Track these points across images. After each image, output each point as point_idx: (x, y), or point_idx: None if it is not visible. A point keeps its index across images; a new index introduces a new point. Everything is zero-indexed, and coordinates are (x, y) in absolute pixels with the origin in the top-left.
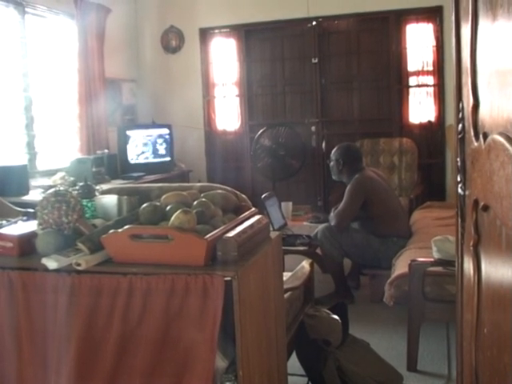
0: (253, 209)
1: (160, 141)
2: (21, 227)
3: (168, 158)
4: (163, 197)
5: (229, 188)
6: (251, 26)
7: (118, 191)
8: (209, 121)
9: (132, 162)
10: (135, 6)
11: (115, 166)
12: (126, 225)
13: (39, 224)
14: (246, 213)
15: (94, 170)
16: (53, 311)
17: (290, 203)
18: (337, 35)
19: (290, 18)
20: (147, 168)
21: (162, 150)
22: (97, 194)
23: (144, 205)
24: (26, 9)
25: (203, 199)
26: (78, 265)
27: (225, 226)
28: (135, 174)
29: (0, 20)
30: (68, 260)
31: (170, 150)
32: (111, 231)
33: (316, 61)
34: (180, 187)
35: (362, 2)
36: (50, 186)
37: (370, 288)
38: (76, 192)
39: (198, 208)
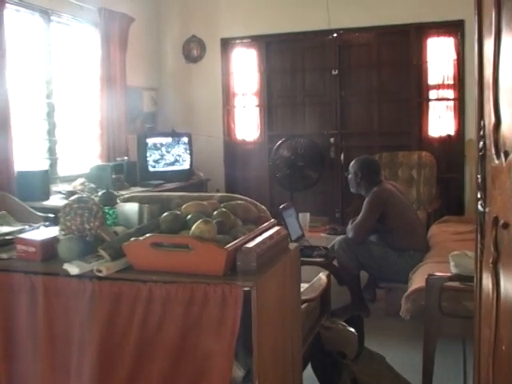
0: (272, 220)
1: (179, 149)
2: (43, 232)
3: (187, 167)
4: (184, 206)
5: (248, 199)
6: (272, 37)
7: (138, 199)
8: (228, 130)
9: (151, 169)
10: (158, 16)
11: (134, 173)
12: (146, 233)
13: (61, 230)
14: (266, 224)
15: (113, 176)
16: (73, 316)
17: (308, 214)
18: (357, 47)
19: (310, 30)
20: (166, 176)
21: (181, 158)
22: (118, 201)
23: (165, 213)
24: (52, 17)
25: (223, 209)
26: (99, 271)
27: (244, 236)
28: (154, 182)
29: (26, 27)
30: (89, 266)
31: (190, 158)
32: (132, 239)
33: (336, 73)
34: (200, 197)
35: (383, 15)
36: (70, 192)
37: (385, 301)
38: (97, 199)
39: (218, 218)
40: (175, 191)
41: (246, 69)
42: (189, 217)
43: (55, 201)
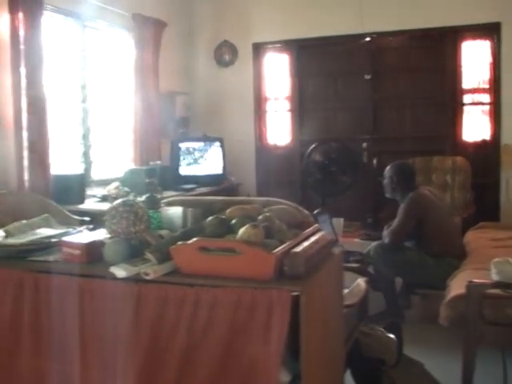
0: (316, 225)
1: (212, 154)
2: (88, 236)
3: (219, 171)
4: (228, 210)
5: (292, 203)
6: (304, 41)
7: (179, 203)
8: (260, 135)
9: (183, 174)
10: (190, 21)
11: (167, 177)
12: (192, 237)
13: (107, 233)
14: (310, 228)
15: (146, 180)
16: (119, 319)
17: (342, 219)
18: (391, 52)
19: (343, 34)
20: (198, 180)
21: (213, 162)
22: (162, 205)
23: (210, 217)
24: (86, 22)
25: (267, 214)
26: (147, 274)
27: (291, 241)
28: (187, 186)
29: (62, 33)
30: (136, 269)
31: (222, 163)
32: (180, 243)
33: (369, 77)
34: (243, 201)
35: (417, 19)
36: (105, 196)
37: (421, 308)
38: (142, 203)
39: (264, 222)
40: (207, 195)
41: (277, 73)
42: (234, 221)
43: (90, 204)
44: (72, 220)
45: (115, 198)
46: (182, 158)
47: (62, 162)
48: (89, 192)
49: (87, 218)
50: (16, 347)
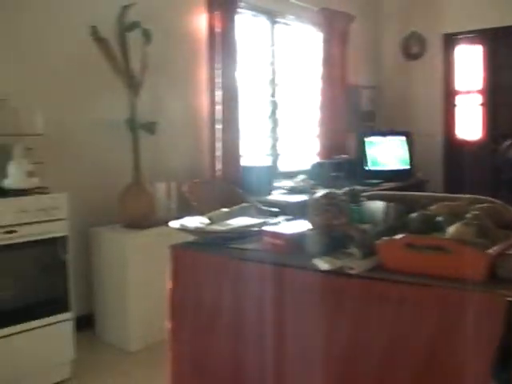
0: None
1: (398, 148)
2: (288, 226)
3: (406, 167)
4: (434, 207)
5: (498, 201)
6: (501, 30)
7: (378, 197)
8: (448, 129)
9: (369, 168)
10: (377, 13)
11: (352, 171)
12: (396, 233)
13: (309, 224)
14: None
15: (332, 174)
16: (318, 311)
17: None
18: None
19: None
20: (384, 175)
21: (399, 157)
22: (362, 199)
23: (414, 214)
24: (276, 18)
25: (476, 212)
26: (351, 268)
27: (505, 241)
28: (372, 181)
29: (252, 29)
30: (339, 262)
31: (409, 158)
32: (385, 238)
33: None
34: (447, 198)
35: None
36: (292, 188)
37: None
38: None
39: (474, 221)
40: (393, 191)
41: (470, 65)
42: (440, 218)
43: (277, 196)
44: (261, 210)
45: (302, 191)
46: (367, 152)
47: (251, 154)
48: (275, 184)
49: (276, 209)
50: (215, 328)
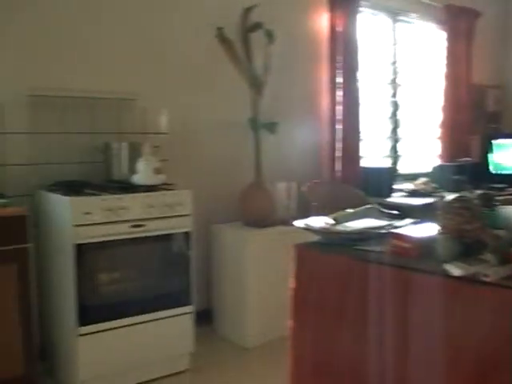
0: None
1: None
2: (417, 230)
3: None
4: None
5: None
6: None
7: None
8: None
9: (494, 172)
10: (505, 8)
11: (476, 175)
12: None
13: (438, 228)
14: None
15: (454, 177)
16: (446, 318)
17: None
18: None
19: None
20: (510, 179)
21: None
22: (495, 203)
23: None
24: (399, 17)
25: None
26: (486, 275)
27: None
28: (497, 185)
29: (374, 27)
30: (473, 269)
31: None
32: None
33: None
34: None
35: None
36: (413, 191)
37: None
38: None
39: None
40: None
41: None
42: None
43: (397, 198)
44: (383, 213)
45: (423, 194)
46: (493, 155)
47: (371, 155)
48: (394, 186)
49: (396, 212)
50: (338, 329)
